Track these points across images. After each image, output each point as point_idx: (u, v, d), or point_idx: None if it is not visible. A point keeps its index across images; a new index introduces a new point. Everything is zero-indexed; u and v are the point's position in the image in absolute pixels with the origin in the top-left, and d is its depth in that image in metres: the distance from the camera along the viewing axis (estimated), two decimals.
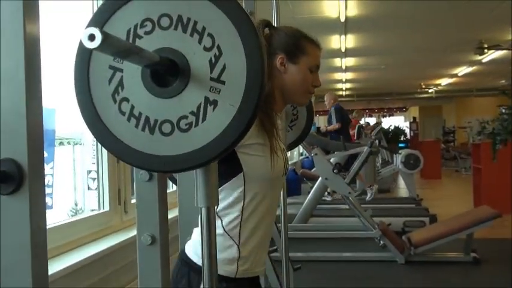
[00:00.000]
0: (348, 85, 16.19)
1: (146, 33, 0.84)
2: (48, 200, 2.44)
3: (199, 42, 0.82)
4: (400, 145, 15.92)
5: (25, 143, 0.77)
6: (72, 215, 2.81)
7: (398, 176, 9.46)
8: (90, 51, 0.85)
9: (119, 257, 2.52)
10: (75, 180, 2.89)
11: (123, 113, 0.84)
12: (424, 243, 4.52)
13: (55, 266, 2.08)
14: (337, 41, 8.80)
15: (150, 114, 0.83)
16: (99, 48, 0.63)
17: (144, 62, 0.78)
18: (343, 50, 9.49)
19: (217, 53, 0.81)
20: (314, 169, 6.98)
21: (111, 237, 2.65)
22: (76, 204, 2.88)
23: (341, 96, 17.05)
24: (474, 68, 12.52)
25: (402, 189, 9.47)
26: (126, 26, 0.84)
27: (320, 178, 5.32)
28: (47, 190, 2.43)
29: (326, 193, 6.95)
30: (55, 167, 2.51)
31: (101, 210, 2.79)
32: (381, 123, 11.58)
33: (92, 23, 0.85)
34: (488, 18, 7.32)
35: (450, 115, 20.90)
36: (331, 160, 5.23)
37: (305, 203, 5.68)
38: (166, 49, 0.82)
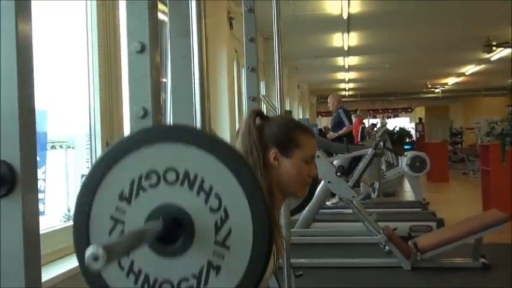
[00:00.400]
0: (351, 85, 16.22)
1: (151, 186, 0.84)
2: (40, 206, 2.44)
3: (206, 202, 0.82)
4: (406, 147, 15.91)
5: (17, 145, 0.77)
6: (65, 221, 2.81)
7: (403, 179, 9.47)
8: (93, 194, 0.85)
9: None
10: (68, 185, 2.89)
11: (122, 268, 0.84)
12: (431, 249, 4.52)
13: (48, 273, 2.08)
14: (339, 39, 8.81)
15: (150, 272, 0.84)
16: (105, 267, 0.64)
17: (149, 241, 0.80)
18: (345, 48, 9.51)
19: (223, 216, 0.82)
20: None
21: None
22: (69, 210, 2.88)
23: (344, 96, 17.07)
24: (482, 66, 12.55)
25: (408, 192, 9.47)
26: (130, 176, 0.85)
27: (322, 181, 5.31)
28: (39, 196, 2.42)
29: (333, 202, 6.95)
30: (47, 172, 2.51)
31: None
32: (385, 125, 11.55)
33: (96, 169, 0.85)
34: (496, 14, 7.34)
35: (457, 116, 20.93)
36: (334, 163, 5.23)
37: (307, 207, 5.68)
38: (171, 206, 0.83)
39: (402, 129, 18.58)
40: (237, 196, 0.81)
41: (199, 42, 1.05)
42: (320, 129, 11.14)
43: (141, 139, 0.85)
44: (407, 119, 24.51)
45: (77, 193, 0.85)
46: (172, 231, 0.82)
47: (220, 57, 5.13)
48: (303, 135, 1.52)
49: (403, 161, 7.89)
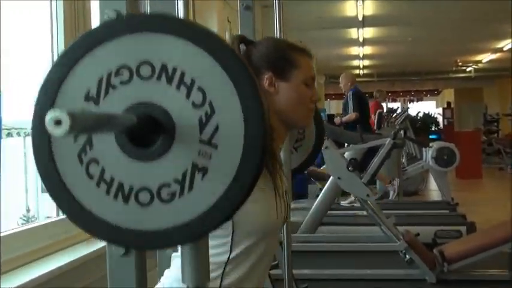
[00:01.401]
0: (367, 62, 16.22)
1: (122, 83, 0.84)
2: None
3: (187, 96, 0.83)
4: (431, 136, 15.97)
5: None
6: (23, 223, 2.81)
7: (428, 175, 9.49)
8: (54, 96, 0.86)
9: (82, 274, 2.52)
10: (27, 180, 2.89)
11: (91, 177, 0.85)
12: (460, 258, 4.54)
13: (3, 285, 2.08)
14: (352, 7, 8.80)
15: (124, 179, 0.84)
16: (68, 134, 0.64)
17: (119, 129, 0.81)
18: (360, 18, 9.49)
19: (208, 111, 0.83)
20: (324, 166, 6.99)
21: (72, 250, 2.66)
22: (28, 210, 2.88)
23: (358, 75, 17.08)
24: None
25: (433, 191, 9.50)
26: (97, 73, 0.85)
27: (331, 177, 5.33)
28: None
29: (351, 201, 6.96)
30: (2, 164, 2.51)
31: (59, 217, 2.78)
32: (407, 110, 11.57)
33: (57, 68, 0.86)
34: None
35: (493, 100, 20.95)
36: (345, 155, 5.24)
37: (313, 208, 5.70)
38: (146, 104, 0.84)
39: (427, 115, 18.66)
40: (224, 87, 0.82)
41: (186, 8, 1.04)
42: (329, 115, 11.16)
43: (108, 30, 0.86)
44: (433, 103, 24.56)
45: (35, 97, 0.86)
46: (149, 131, 0.83)
47: (210, 27, 5.11)
48: (299, 54, 1.56)
49: (428, 154, 7.90)
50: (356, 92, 8.22)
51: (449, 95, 22.99)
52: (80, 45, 0.86)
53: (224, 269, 1.39)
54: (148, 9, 1.15)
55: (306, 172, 8.73)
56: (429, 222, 5.86)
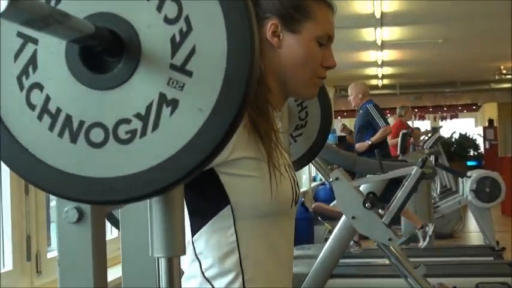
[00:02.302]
0: (387, 70, 16.28)
1: None
2: None
3: (159, 9, 0.83)
4: (470, 163, 16.00)
5: None
6: None
7: (466, 212, 9.49)
8: None
9: None
10: None
11: (33, 107, 0.85)
12: None
13: None
14: (368, 2, 8.87)
15: (73, 111, 0.84)
16: (4, 15, 0.64)
17: (71, 35, 0.80)
18: (377, 15, 9.56)
19: (184, 28, 0.82)
20: (334, 202, 6.98)
21: None
22: None
23: (375, 87, 17.14)
24: None
25: (473, 233, 9.50)
26: None
27: (344, 217, 5.33)
28: None
29: (352, 242, 6.95)
30: None
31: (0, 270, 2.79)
32: (438, 130, 11.60)
33: None
34: None
35: None
36: (361, 188, 5.24)
37: (320, 256, 5.68)
38: (106, 15, 0.84)
39: (464, 137, 18.69)
40: (207, 1, 0.81)
41: None
42: (339, 137, 11.16)
43: None
44: (472, 120, 24.63)
45: None
46: (108, 49, 0.82)
47: None
48: (317, 3, 1.55)
49: (466, 185, 7.92)
50: (375, 104, 8.25)
51: (491, 110, 23.07)
52: None
53: (243, 275, 1.38)
54: None
55: (311, 210, 8.72)
56: (468, 273, 5.84)
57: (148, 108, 0.82)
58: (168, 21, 0.82)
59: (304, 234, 8.07)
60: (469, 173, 8.02)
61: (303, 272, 5.52)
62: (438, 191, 9.69)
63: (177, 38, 0.82)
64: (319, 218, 8.42)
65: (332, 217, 7.56)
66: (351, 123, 19.16)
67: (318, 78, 1.57)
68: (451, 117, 23.41)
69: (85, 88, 0.83)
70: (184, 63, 0.81)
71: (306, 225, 8.33)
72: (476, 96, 21.42)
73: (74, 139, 0.83)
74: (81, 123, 0.83)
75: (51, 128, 0.84)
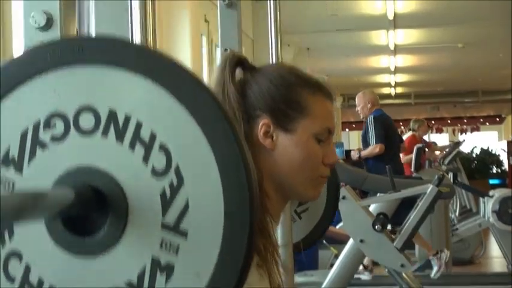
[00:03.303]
0: (400, 77, 16.33)
1: (55, 139, 0.84)
2: None
3: (145, 160, 0.83)
4: (492, 181, 15.98)
5: None
6: None
7: (488, 235, 9.49)
8: None
9: None
10: None
11: (12, 279, 0.84)
12: None
13: None
14: (379, 2, 8.89)
15: (57, 282, 0.83)
16: None
17: (49, 213, 0.80)
18: (390, 16, 9.58)
19: (174, 181, 0.82)
20: (341, 224, 6.98)
21: None
22: None
23: (387, 96, 17.17)
24: None
25: (495, 259, 9.48)
26: (19, 125, 0.85)
27: (351, 240, 5.32)
28: None
29: (362, 267, 6.93)
30: None
31: None
32: (457, 144, 11.60)
33: None
34: None
35: None
36: (371, 208, 5.24)
37: (325, 283, 5.68)
38: (86, 170, 0.83)
39: (485, 152, 18.69)
40: (197, 147, 0.81)
41: (143, 10, 1.06)
42: (348, 152, 11.17)
43: (34, 62, 0.85)
44: (495, 134, 24.69)
45: None
46: (92, 211, 0.81)
47: (180, 28, 5.15)
48: (311, 94, 1.51)
49: (488, 206, 7.92)
50: (379, 116, 8.22)
51: None
52: None
53: None
54: (92, 11, 1.16)
55: None
56: None
57: (141, 275, 0.81)
58: (156, 173, 0.82)
59: (307, 259, 8.05)
60: (491, 193, 8.03)
61: None
62: (457, 212, 9.70)
63: (168, 193, 0.81)
64: (324, 241, 8.41)
65: (338, 240, 7.56)
66: (359, 135, 19.24)
67: (320, 178, 1.53)
68: (472, 130, 23.47)
69: (69, 255, 0.83)
70: (177, 222, 0.81)
71: (310, 249, 8.28)
72: (499, 107, 21.49)
73: None
74: None
75: None
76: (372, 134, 8.03)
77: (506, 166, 19.09)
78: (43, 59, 0.84)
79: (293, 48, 10.84)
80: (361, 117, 8.50)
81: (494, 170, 18.20)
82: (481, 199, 8.20)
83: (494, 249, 9.33)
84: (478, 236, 9.30)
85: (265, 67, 1.57)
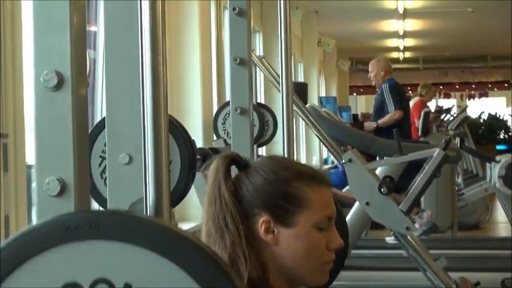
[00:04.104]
0: (409, 42, 16.24)
1: None
2: None
3: None
4: (499, 147, 15.96)
5: None
6: None
7: (494, 200, 9.50)
8: None
9: None
10: None
11: None
12: None
13: None
14: None
15: None
16: None
17: None
18: None
19: None
20: (347, 188, 7.00)
21: None
22: None
23: (396, 60, 17.08)
24: None
25: (501, 224, 9.50)
26: None
27: (357, 203, 5.35)
28: None
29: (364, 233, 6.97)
30: None
31: None
32: (465, 109, 11.58)
33: None
34: None
35: None
36: (377, 172, 5.26)
37: None
38: None
39: (493, 118, 18.65)
40: None
41: (153, 13, 1.06)
42: (355, 116, 11.15)
43: (51, 234, 0.87)
44: (503, 100, 24.57)
45: None
46: None
47: (189, 36, 5.15)
48: (308, 187, 1.54)
49: (494, 171, 7.92)
50: (393, 84, 8.21)
51: None
52: (10, 253, 0.86)
53: None
54: (102, 11, 1.18)
55: None
56: (494, 267, 5.86)
57: None
58: None
59: None
60: (497, 158, 8.00)
61: None
62: (463, 177, 9.70)
63: None
64: None
65: (345, 203, 7.56)
66: (367, 100, 19.18)
67: (325, 264, 1.56)
68: (480, 96, 23.33)
69: None
70: None
71: None
72: (508, 73, 21.34)
73: None
74: None
75: None
76: (389, 101, 8.00)
77: None
78: (59, 232, 0.86)
79: (301, 11, 10.78)
80: (374, 83, 8.46)
81: (502, 136, 18.17)
82: (487, 164, 8.18)
83: (500, 214, 9.33)
84: (483, 201, 9.30)
85: (257, 163, 1.60)
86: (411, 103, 10.51)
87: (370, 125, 8.22)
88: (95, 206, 2.04)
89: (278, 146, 4.09)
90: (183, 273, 0.84)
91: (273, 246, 1.50)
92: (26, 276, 0.86)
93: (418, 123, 9.60)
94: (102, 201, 1.93)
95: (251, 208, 1.50)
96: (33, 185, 3.23)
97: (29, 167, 2.98)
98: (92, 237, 0.86)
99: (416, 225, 7.41)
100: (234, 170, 1.56)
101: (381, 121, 8.04)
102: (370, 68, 8.40)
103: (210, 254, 0.86)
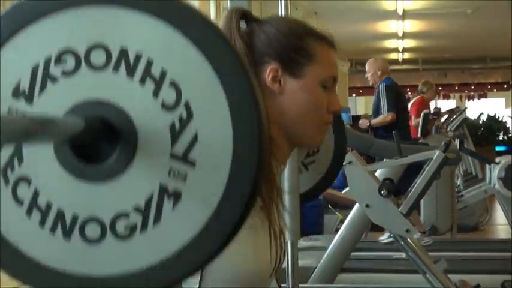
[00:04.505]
0: (408, 43, 16.25)
1: (66, 73, 0.86)
2: None
3: (155, 94, 0.84)
4: (498, 148, 15.97)
5: None
6: None
7: (493, 202, 9.50)
8: None
9: None
10: None
11: (21, 202, 0.86)
12: None
13: None
14: None
15: (65, 205, 0.85)
16: None
17: (58, 139, 0.81)
18: None
19: (184, 115, 0.83)
20: (346, 189, 6.99)
21: None
22: None
23: (395, 61, 17.10)
24: None
25: (500, 225, 9.51)
26: (30, 60, 0.86)
27: (357, 205, 5.35)
28: None
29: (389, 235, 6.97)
30: None
31: None
32: (464, 110, 11.57)
33: None
34: None
35: None
36: (377, 174, 5.26)
37: (330, 248, 5.71)
38: (96, 103, 0.84)
39: (492, 119, 18.63)
40: (206, 82, 0.83)
41: None
42: (354, 117, 11.14)
43: (46, 1, 0.86)
44: (502, 101, 24.57)
45: None
46: (101, 141, 0.83)
47: None
48: (319, 44, 1.57)
49: (493, 173, 7.92)
50: (390, 84, 8.19)
51: None
52: (8, 21, 0.87)
53: None
54: None
55: (321, 197, 8.72)
56: (494, 270, 5.85)
57: (149, 201, 0.83)
58: (166, 107, 0.83)
59: (312, 224, 8.07)
60: (497, 159, 8.00)
61: (310, 266, 5.54)
62: (462, 179, 9.70)
63: (177, 126, 0.83)
64: (329, 206, 8.43)
65: (344, 205, 7.58)
66: (367, 101, 19.18)
67: (324, 125, 1.59)
68: (479, 97, 23.32)
69: (78, 180, 0.84)
70: (186, 152, 0.82)
71: (315, 214, 8.33)
72: (507, 74, 21.34)
73: (67, 236, 0.84)
74: (75, 218, 0.84)
75: (42, 224, 0.85)
76: (384, 102, 8.00)
77: None
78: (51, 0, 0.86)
79: (301, 12, 10.79)
80: (370, 83, 8.46)
81: (501, 137, 18.17)
82: (487, 166, 8.19)
83: (499, 216, 9.33)
84: (483, 203, 9.30)
85: (269, 18, 1.62)
86: (411, 101, 10.52)
87: (363, 122, 8.27)
88: None
89: None
90: (180, 35, 0.83)
91: (277, 96, 1.52)
92: (21, 44, 0.86)
93: (418, 121, 9.60)
94: None
95: (261, 56, 1.52)
96: None
97: None
98: (89, 3, 0.85)
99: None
100: None
101: (374, 121, 8.06)
102: (367, 68, 8.41)
103: (205, 16, 0.85)
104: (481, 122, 17.95)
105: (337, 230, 5.90)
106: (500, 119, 18.77)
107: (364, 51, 15.51)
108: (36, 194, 0.85)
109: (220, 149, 0.82)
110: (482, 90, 23.26)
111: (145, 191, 0.83)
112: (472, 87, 22.84)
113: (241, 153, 0.81)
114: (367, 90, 17.58)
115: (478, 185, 8.89)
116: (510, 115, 19.74)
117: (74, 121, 0.81)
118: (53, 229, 0.84)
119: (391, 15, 12.35)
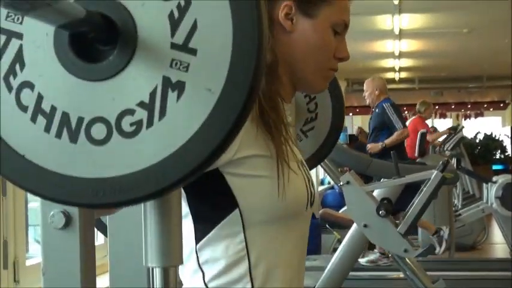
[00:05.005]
0: (405, 62, 16.27)
1: None
2: None
3: None
4: (495, 167, 15.97)
5: None
6: None
7: (491, 221, 9.50)
8: None
9: None
10: None
11: (25, 108, 0.85)
12: None
13: None
14: None
15: (69, 108, 0.84)
16: None
17: (60, 20, 0.79)
18: (395, 1, 9.57)
19: (182, 2, 0.82)
20: (344, 209, 6.98)
21: None
22: None
23: (391, 80, 17.11)
24: None
25: (498, 244, 9.49)
26: None
27: (354, 225, 5.34)
28: None
29: (379, 253, 6.95)
30: None
31: None
32: (461, 130, 11.59)
33: None
34: None
35: None
36: (375, 193, 5.25)
37: (328, 268, 5.71)
38: None
39: (489, 138, 18.64)
40: None
41: None
42: (351, 136, 11.13)
43: None
44: (499, 119, 24.60)
45: None
46: (102, 38, 0.82)
47: None
48: None
49: (491, 192, 7.92)
50: (393, 103, 8.21)
51: None
52: None
53: (250, 276, 1.40)
54: None
55: (319, 217, 8.69)
56: None
57: (153, 94, 0.82)
58: None
59: (310, 244, 7.99)
60: (494, 178, 8.01)
61: (308, 286, 5.51)
62: (460, 198, 9.70)
63: (176, 14, 0.82)
64: (327, 225, 8.39)
65: (342, 225, 7.54)
66: (363, 120, 19.18)
67: (329, 70, 1.59)
68: (476, 116, 23.36)
69: (80, 81, 0.83)
70: (186, 40, 0.82)
71: (312, 233, 8.26)
72: (504, 93, 21.39)
73: (73, 138, 0.83)
74: (80, 120, 0.83)
75: (47, 129, 0.84)
76: (395, 119, 7.99)
77: (509, 152, 19.03)
78: None
79: None
80: (368, 103, 8.45)
81: (498, 156, 18.18)
82: (484, 185, 8.19)
83: (497, 235, 9.32)
84: (480, 222, 9.29)
85: None
86: (408, 121, 10.54)
87: (375, 146, 8.15)
88: None
89: None
90: None
91: (287, 34, 1.51)
92: None
93: (415, 142, 9.62)
94: None
95: None
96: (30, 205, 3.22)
97: None
98: None
99: (438, 246, 7.43)
100: None
101: (388, 141, 8.01)
102: (365, 87, 8.41)
103: None
104: (477, 140, 17.97)
105: (334, 250, 5.89)
106: (497, 138, 18.79)
107: (360, 70, 15.52)
108: (40, 98, 0.84)
109: (221, 34, 0.81)
110: (478, 109, 23.30)
111: (148, 85, 0.82)
112: (469, 106, 22.88)
113: (242, 40, 0.80)
114: (364, 109, 17.60)
115: (475, 204, 8.88)
116: (507, 134, 19.79)
117: (77, 7, 0.79)
118: (58, 133, 0.83)
119: (388, 34, 12.37)
